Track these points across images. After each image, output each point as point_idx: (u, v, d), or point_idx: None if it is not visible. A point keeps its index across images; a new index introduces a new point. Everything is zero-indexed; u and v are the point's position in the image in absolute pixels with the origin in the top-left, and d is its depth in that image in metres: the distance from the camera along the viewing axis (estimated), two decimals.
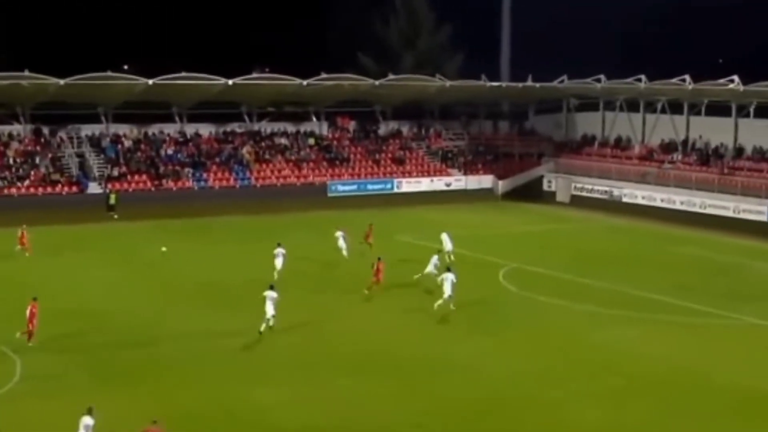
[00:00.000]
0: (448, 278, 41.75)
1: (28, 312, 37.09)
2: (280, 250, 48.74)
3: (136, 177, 74.14)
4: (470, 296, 44.52)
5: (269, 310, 38.35)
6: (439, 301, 41.49)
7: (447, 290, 41.36)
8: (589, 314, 42.97)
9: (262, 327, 38.20)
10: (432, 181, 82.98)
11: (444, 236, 52.55)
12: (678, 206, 72.50)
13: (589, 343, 38.52)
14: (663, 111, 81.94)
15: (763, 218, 67.02)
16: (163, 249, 54.76)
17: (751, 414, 30.96)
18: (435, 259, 46.26)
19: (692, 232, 65.91)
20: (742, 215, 68.27)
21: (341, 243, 53.14)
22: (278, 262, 48.25)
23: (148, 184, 74.06)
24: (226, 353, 36.38)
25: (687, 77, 74.00)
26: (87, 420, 26.42)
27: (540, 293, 46.16)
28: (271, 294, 38.73)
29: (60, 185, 71.53)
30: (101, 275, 49.67)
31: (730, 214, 69.00)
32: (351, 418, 29.75)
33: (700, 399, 32.12)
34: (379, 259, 45.82)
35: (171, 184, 74.56)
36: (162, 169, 75.38)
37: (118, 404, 30.21)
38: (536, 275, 50.56)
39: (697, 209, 71.10)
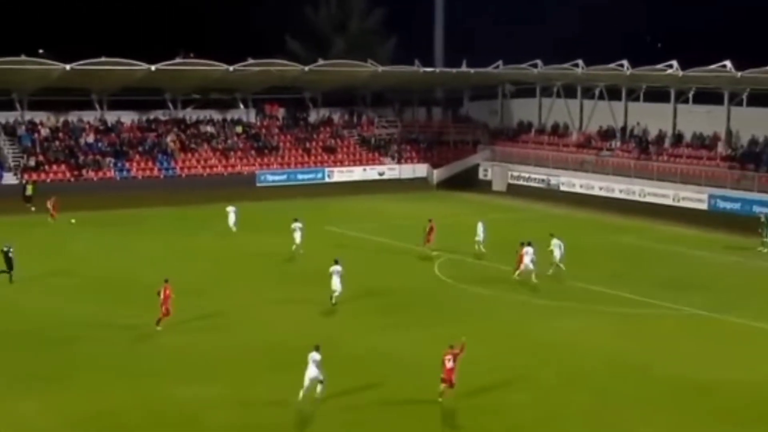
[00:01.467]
0: (529, 252, 44.38)
1: (162, 295, 36.04)
2: (297, 225, 50.23)
3: (55, 167, 71.61)
4: (405, 288, 44.55)
5: (335, 284, 39.62)
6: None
7: (526, 262, 44.46)
8: (526, 305, 42.39)
9: (333, 300, 39.79)
10: (364, 170, 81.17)
11: (479, 225, 52.00)
12: (617, 194, 71.66)
13: (526, 334, 37.97)
14: (601, 97, 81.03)
15: (703, 206, 66.42)
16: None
17: (688, 405, 30.44)
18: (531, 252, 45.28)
19: (631, 220, 65.17)
20: (682, 203, 67.58)
21: (231, 217, 53.72)
22: (297, 236, 49.93)
23: (68, 174, 71.61)
24: (149, 351, 35.03)
25: (625, 62, 73.19)
26: (315, 355, 28.60)
27: (476, 284, 45.50)
28: (336, 269, 39.86)
29: None
30: (17, 270, 46.95)
31: (669, 202, 68.23)
32: (279, 416, 28.39)
33: (637, 390, 31.54)
34: (522, 243, 45.78)
35: (91, 174, 72.18)
36: (82, 158, 72.84)
37: (34, 406, 29.16)
38: (472, 266, 49.79)
39: (636, 197, 70.39)
